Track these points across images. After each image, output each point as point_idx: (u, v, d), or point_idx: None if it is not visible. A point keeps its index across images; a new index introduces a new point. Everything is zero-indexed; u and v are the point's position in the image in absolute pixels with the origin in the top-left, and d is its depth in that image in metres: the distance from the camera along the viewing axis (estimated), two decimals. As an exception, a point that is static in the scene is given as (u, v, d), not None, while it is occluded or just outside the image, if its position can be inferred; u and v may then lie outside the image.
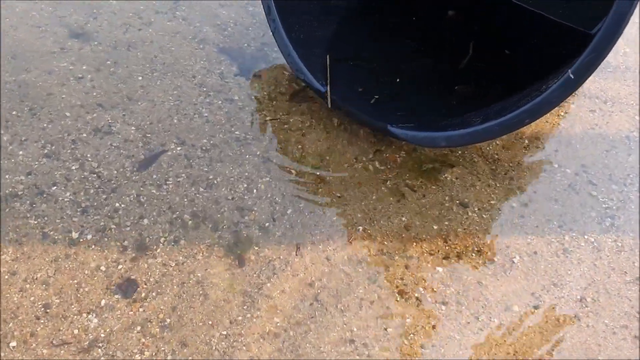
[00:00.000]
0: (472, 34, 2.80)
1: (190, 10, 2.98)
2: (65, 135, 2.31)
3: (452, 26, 2.87)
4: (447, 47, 2.78)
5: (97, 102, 2.46)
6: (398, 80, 2.59)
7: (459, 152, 2.40)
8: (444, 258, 2.04)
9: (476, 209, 2.19)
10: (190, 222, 2.09)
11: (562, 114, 2.60)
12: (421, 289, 1.95)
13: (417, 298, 1.92)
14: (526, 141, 2.47)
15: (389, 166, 2.32)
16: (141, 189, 2.17)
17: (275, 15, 2.42)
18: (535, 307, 1.93)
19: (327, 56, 2.56)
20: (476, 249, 2.08)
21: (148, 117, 2.42)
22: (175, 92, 2.54)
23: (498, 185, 2.29)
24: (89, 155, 2.26)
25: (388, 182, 2.26)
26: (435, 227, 2.13)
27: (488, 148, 2.43)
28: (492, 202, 2.22)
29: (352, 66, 2.63)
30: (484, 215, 2.17)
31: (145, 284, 1.91)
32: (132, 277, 1.93)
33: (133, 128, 2.37)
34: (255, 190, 2.20)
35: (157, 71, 2.63)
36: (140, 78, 2.58)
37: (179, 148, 2.32)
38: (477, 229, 2.13)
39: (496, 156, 2.40)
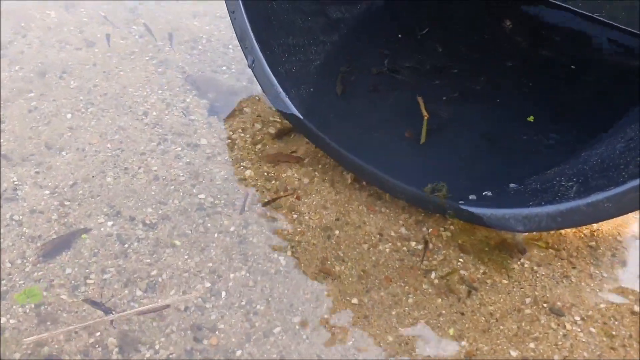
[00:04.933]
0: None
1: (153, 21, 2.21)
2: (-55, 205, 1.54)
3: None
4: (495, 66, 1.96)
5: (3, 153, 1.68)
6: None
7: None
8: (533, 412, 1.21)
9: (577, 319, 1.36)
10: (115, 350, 1.29)
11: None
12: None
13: None
14: (635, 199, 1.63)
15: (431, 246, 1.50)
16: (45, 293, 1.37)
17: (252, 43, 1.61)
18: None
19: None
20: (586, 393, 1.24)
21: (72, 174, 1.63)
22: (116, 136, 1.75)
23: (605, 275, 1.45)
24: (-26, 238, 1.47)
25: (433, 275, 1.44)
26: (514, 353, 1.30)
27: (579, 212, 1.59)
28: (600, 305, 1.38)
29: (369, 104, 1.81)
30: (591, 330, 1.34)
31: None
32: None
33: (47, 192, 1.59)
34: (223, 293, 1.39)
35: (94, 106, 1.85)
36: (69, 116, 1.80)
37: (109, 223, 1.52)
38: (585, 355, 1.29)
39: (594, 225, 1.56)
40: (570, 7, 2.00)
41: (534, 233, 1.53)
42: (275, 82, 1.56)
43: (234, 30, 1.63)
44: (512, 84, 1.87)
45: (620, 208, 1.20)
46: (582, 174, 1.36)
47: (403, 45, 2.00)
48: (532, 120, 1.73)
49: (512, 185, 1.49)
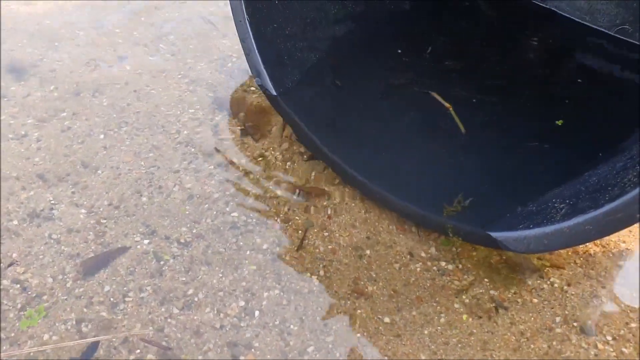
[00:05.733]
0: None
1: (181, 41, 2.26)
2: (-14, 223, 1.58)
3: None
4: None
5: (39, 173, 1.73)
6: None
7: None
8: None
9: (609, 339, 1.37)
10: (154, 368, 1.32)
11: None
12: None
13: None
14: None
15: (461, 267, 1.52)
16: (85, 310, 1.42)
17: (267, 82, 1.69)
18: None
19: None
20: (619, 413, 1.25)
21: (107, 193, 1.68)
22: (150, 154, 1.80)
23: (635, 294, 1.46)
24: (15, 255, 1.52)
25: (464, 295, 1.46)
26: (546, 373, 1.31)
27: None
28: (632, 325, 1.39)
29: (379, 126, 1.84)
30: (624, 350, 1.35)
31: None
32: None
33: (83, 211, 1.63)
34: (257, 313, 1.42)
35: (127, 124, 1.89)
36: (102, 136, 1.85)
37: (145, 242, 1.56)
38: (615, 377, 1.31)
39: (622, 245, 1.58)
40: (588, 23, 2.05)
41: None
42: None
43: (250, 69, 1.70)
44: (523, 103, 1.89)
45: (600, 231, 1.21)
46: (575, 195, 1.37)
47: (418, 67, 2.03)
48: (561, 124, 1.75)
49: (519, 209, 1.50)
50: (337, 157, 1.65)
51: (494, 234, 1.38)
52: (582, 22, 2.09)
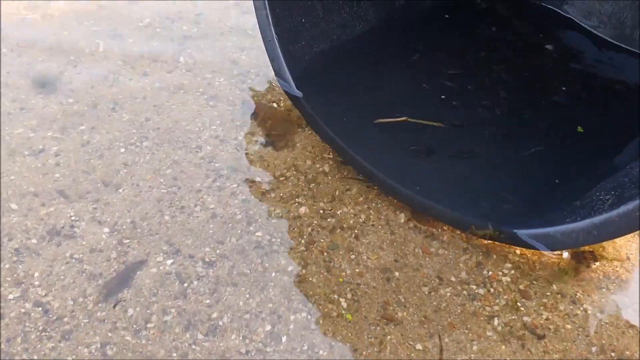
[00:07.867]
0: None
1: (199, 56, 2.24)
2: (6, 240, 1.55)
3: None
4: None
5: (59, 189, 1.70)
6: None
7: (601, 247, 1.56)
8: None
9: (646, 370, 1.33)
10: (180, 394, 1.28)
11: None
12: None
13: None
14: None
15: (492, 290, 1.48)
16: (109, 334, 1.38)
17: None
18: None
19: None
20: None
21: (129, 211, 1.65)
22: (169, 170, 1.77)
23: (671, 322, 1.43)
24: (35, 275, 1.49)
25: (495, 320, 1.42)
26: (583, 405, 1.28)
27: None
28: (669, 356, 1.36)
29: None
30: (661, 382, 1.31)
31: None
32: None
33: (106, 230, 1.60)
34: (284, 338, 1.39)
35: (148, 140, 1.86)
36: (122, 150, 1.82)
37: (169, 261, 1.53)
38: (655, 410, 1.27)
39: (655, 270, 1.54)
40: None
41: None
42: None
43: (281, 87, 1.74)
44: (560, 99, 1.89)
45: None
46: (620, 186, 1.37)
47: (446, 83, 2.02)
48: (582, 131, 1.75)
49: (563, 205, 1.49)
50: (376, 170, 1.63)
51: (536, 231, 1.36)
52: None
